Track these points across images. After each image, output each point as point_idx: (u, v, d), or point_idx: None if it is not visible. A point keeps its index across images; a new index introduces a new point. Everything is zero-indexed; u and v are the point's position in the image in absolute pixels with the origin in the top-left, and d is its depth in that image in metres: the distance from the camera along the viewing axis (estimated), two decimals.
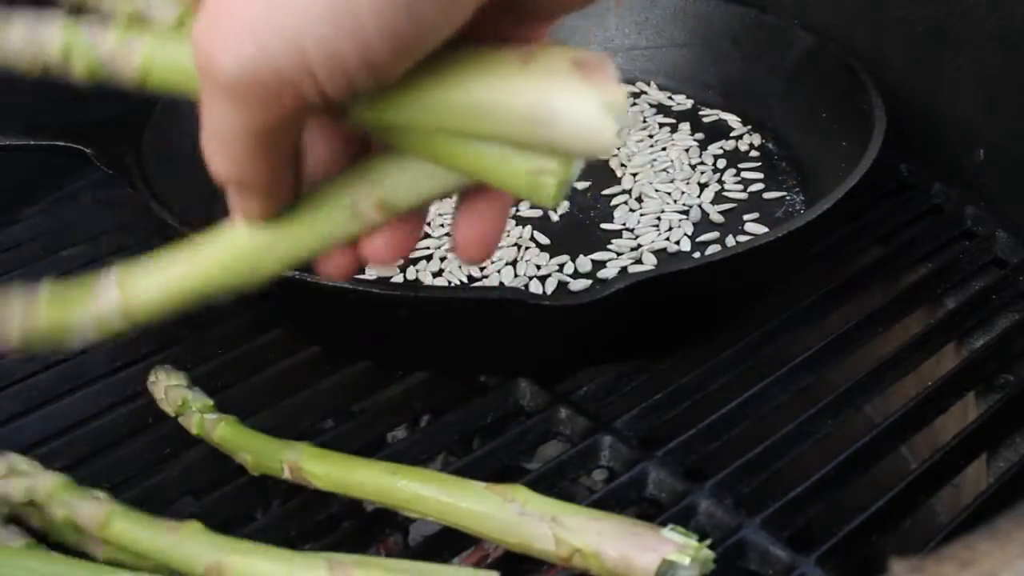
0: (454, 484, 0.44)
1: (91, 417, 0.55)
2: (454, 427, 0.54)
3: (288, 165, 0.33)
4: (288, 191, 0.34)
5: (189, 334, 0.60)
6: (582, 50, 0.31)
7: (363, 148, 0.35)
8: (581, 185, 0.66)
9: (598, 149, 0.30)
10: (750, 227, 0.63)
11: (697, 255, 0.61)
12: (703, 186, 0.67)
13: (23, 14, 0.35)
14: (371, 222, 0.34)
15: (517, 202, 0.43)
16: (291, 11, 0.28)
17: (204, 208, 0.65)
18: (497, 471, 0.50)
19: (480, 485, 0.43)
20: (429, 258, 0.61)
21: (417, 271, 0.60)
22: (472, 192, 0.35)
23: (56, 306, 0.36)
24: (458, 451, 0.58)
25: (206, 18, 0.29)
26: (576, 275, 0.60)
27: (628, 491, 0.49)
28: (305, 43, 0.28)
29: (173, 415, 0.51)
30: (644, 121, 0.73)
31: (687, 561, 0.39)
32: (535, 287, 0.59)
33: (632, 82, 0.75)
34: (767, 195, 0.66)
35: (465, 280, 0.60)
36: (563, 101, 0.30)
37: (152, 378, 0.53)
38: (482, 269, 0.60)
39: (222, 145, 0.32)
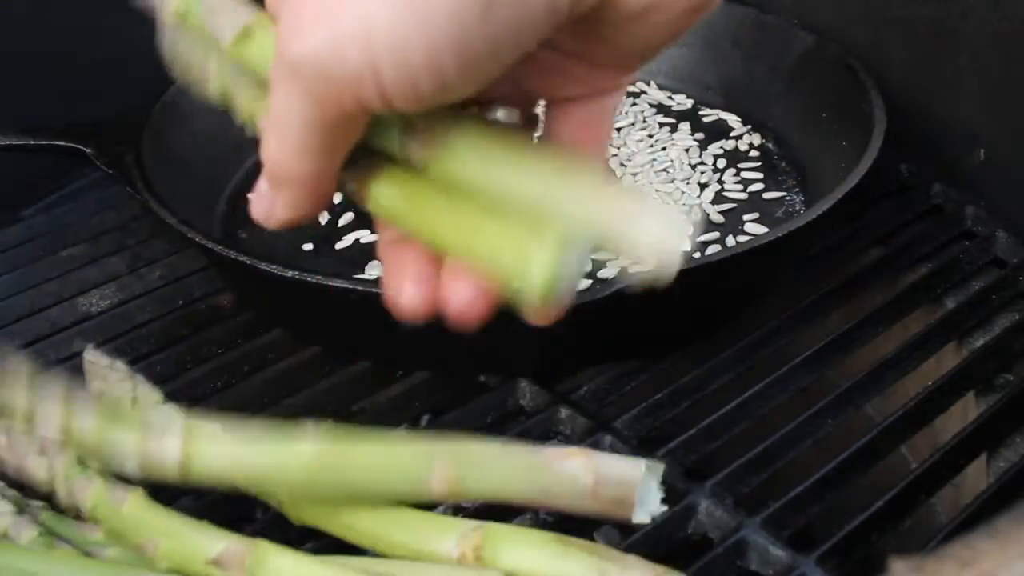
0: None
1: None
2: (454, 427, 0.53)
3: (333, 176, 0.33)
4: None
5: (189, 334, 0.60)
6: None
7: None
8: None
9: (659, 259, 0.32)
10: (750, 227, 0.63)
11: (697, 255, 0.61)
12: (703, 186, 0.67)
13: None
14: None
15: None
16: (363, 1, 0.28)
17: (204, 208, 0.65)
18: None
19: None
20: None
21: None
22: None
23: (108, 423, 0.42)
24: None
25: (292, 6, 0.30)
26: None
27: None
28: (374, 33, 0.28)
29: None
30: (644, 121, 0.73)
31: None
32: None
33: (632, 82, 0.75)
34: (767, 195, 0.66)
35: None
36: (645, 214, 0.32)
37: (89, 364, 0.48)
38: None
39: (279, 133, 0.31)
